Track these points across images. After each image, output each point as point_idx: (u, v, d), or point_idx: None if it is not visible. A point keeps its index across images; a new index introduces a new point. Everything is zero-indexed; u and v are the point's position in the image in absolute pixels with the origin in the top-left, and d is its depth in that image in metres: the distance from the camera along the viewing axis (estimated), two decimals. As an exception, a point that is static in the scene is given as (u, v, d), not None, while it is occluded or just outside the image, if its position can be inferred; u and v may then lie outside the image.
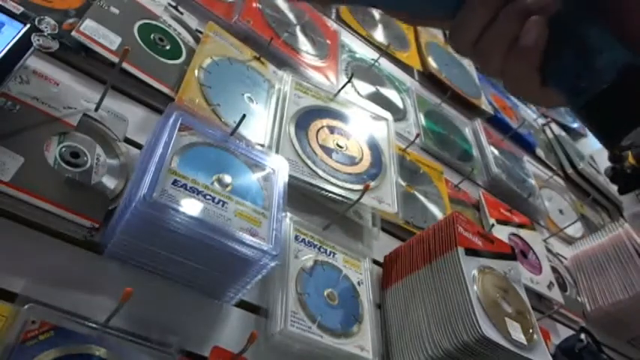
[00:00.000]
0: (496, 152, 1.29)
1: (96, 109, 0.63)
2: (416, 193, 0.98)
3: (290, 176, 0.66)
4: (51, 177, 0.53)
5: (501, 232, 1.05)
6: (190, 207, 0.51)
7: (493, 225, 1.03)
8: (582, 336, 0.97)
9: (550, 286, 1.07)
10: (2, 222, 0.50)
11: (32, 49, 0.56)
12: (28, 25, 0.57)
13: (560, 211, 1.39)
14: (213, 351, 0.55)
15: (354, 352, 0.63)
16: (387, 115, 0.95)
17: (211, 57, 0.79)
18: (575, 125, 1.82)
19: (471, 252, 0.71)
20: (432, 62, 1.35)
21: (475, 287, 0.67)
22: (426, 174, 1.03)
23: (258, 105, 0.80)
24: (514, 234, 1.10)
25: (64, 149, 0.56)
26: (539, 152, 1.54)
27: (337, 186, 0.76)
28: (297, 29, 1.03)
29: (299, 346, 0.60)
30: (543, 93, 0.38)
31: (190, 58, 0.77)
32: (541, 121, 1.74)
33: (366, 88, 1.09)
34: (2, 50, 0.53)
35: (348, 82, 0.91)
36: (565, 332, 1.07)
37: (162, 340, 0.51)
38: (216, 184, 0.55)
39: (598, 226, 1.48)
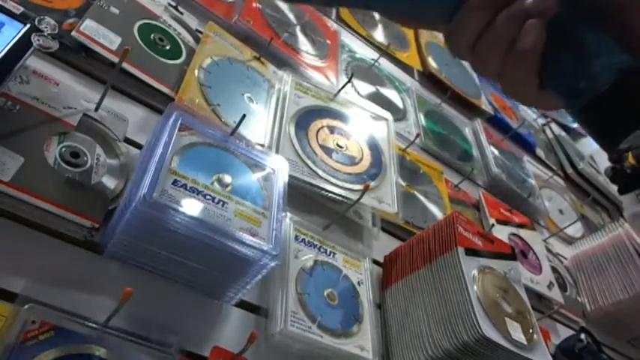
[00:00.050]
0: (496, 152, 1.29)
1: (96, 109, 0.63)
2: (416, 193, 0.98)
3: (290, 176, 0.66)
4: (51, 177, 0.53)
5: (501, 232, 1.05)
6: (190, 207, 0.51)
7: (493, 225, 1.03)
8: (582, 336, 0.96)
9: (550, 286, 1.06)
10: (2, 222, 0.50)
11: (32, 49, 0.56)
12: (28, 25, 0.57)
13: (560, 211, 1.39)
14: (213, 351, 0.55)
15: (354, 352, 0.63)
16: (387, 115, 0.95)
17: (211, 57, 0.79)
18: (575, 125, 1.82)
19: (471, 252, 0.71)
20: (432, 62, 1.35)
21: (475, 287, 0.67)
22: (426, 174, 1.03)
23: (258, 105, 0.80)
24: (514, 234, 1.10)
25: (64, 149, 0.56)
26: (539, 152, 1.54)
27: (337, 186, 0.76)
28: (297, 29, 1.03)
29: (299, 346, 0.60)
30: (541, 96, 0.38)
31: (190, 58, 0.77)
32: (541, 121, 1.74)
33: (366, 88, 1.09)
34: (2, 50, 0.53)
35: (348, 82, 0.90)
36: (565, 332, 1.06)
37: (162, 340, 0.51)
38: (216, 184, 0.55)
39: (598, 226, 1.48)
